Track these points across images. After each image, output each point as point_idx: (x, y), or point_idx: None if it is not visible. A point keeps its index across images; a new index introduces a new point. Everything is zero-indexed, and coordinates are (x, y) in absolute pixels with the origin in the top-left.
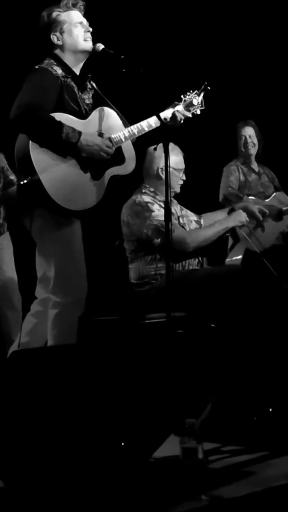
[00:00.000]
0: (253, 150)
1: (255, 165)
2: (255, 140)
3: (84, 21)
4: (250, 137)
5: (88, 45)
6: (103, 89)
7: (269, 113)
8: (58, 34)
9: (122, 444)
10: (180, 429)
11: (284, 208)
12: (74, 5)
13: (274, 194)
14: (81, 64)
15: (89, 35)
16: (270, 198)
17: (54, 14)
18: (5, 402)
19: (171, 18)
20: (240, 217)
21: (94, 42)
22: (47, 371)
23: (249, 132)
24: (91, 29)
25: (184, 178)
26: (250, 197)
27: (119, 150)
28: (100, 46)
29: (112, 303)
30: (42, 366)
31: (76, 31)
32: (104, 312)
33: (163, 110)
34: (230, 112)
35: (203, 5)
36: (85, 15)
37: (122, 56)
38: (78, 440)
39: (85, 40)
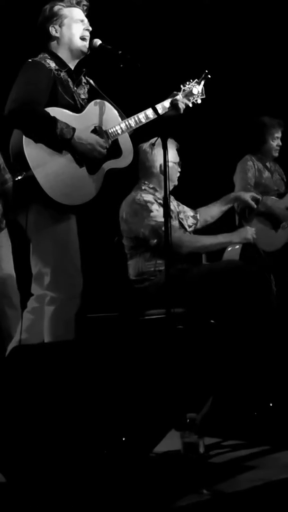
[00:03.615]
0: (277, 154)
1: (268, 163)
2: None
3: (85, 20)
4: (280, 140)
5: (84, 44)
6: (99, 84)
7: (269, 107)
8: (57, 26)
9: (123, 439)
10: (181, 424)
11: None
12: (78, 3)
13: None
14: (75, 61)
15: (87, 33)
16: (286, 196)
17: (56, 8)
18: (6, 398)
19: (169, 11)
20: (246, 233)
21: (92, 37)
22: (48, 367)
23: (280, 135)
24: (90, 29)
25: (179, 170)
26: (266, 197)
27: (116, 143)
28: (98, 42)
29: (111, 300)
30: (42, 362)
31: (75, 27)
32: (103, 309)
33: (161, 101)
34: (227, 105)
35: None
36: (87, 16)
37: (120, 51)
38: (79, 435)
39: (82, 38)
